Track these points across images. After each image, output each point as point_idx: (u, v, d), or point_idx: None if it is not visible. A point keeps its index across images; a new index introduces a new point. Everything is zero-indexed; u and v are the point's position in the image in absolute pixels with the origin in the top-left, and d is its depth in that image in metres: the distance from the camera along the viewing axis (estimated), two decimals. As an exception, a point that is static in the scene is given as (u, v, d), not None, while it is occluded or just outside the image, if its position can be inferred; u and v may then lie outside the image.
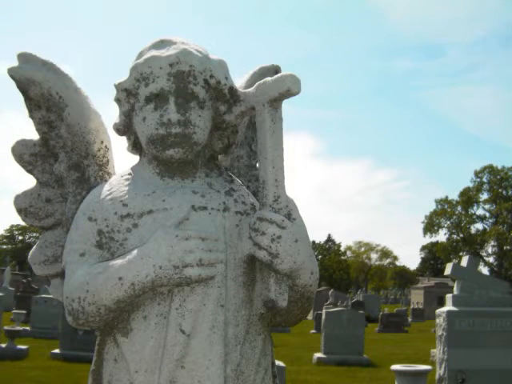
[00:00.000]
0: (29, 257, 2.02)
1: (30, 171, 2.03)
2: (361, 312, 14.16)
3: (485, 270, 47.46)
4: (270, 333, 1.83)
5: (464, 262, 8.13)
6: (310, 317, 21.24)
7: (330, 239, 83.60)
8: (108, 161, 1.96)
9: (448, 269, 7.91)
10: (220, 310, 1.65)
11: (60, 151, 1.96)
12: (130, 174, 1.83)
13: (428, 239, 78.17)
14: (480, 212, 50.77)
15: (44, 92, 1.91)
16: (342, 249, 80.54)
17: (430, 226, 50.24)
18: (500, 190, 48.90)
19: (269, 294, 1.65)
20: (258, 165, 1.82)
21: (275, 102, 1.66)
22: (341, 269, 71.19)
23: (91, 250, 1.73)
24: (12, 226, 67.94)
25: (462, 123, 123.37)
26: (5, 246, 68.26)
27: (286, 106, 1.70)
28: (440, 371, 7.27)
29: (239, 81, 2.03)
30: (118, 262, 1.65)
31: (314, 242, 74.62)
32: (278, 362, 5.17)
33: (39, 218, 2.01)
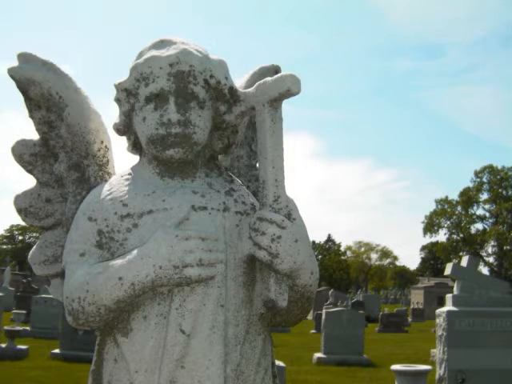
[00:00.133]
0: (29, 257, 2.02)
1: (30, 171, 2.03)
2: (361, 312, 14.16)
3: (485, 270, 47.52)
4: (270, 333, 1.83)
5: (464, 261, 8.13)
6: (310, 317, 21.24)
7: (329, 239, 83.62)
8: (108, 161, 1.96)
9: (448, 269, 7.91)
10: (220, 310, 1.65)
11: (60, 151, 1.96)
12: (130, 174, 1.83)
13: (428, 239, 78.29)
14: (480, 212, 50.84)
15: (44, 92, 1.91)
16: (342, 249, 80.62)
17: (430, 226, 50.24)
18: (500, 190, 48.90)
19: (269, 294, 1.65)
20: (258, 165, 1.82)
21: (275, 102, 1.66)
22: (341, 269, 71.20)
23: (91, 250, 1.73)
24: (12, 226, 67.99)
25: (462, 123, 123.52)
26: (5, 246, 68.27)
27: (286, 106, 1.70)
28: (440, 371, 7.27)
29: (239, 81, 2.03)
30: (118, 261, 1.65)
31: (314, 242, 74.62)
32: (278, 362, 5.17)
33: (39, 217, 2.01)
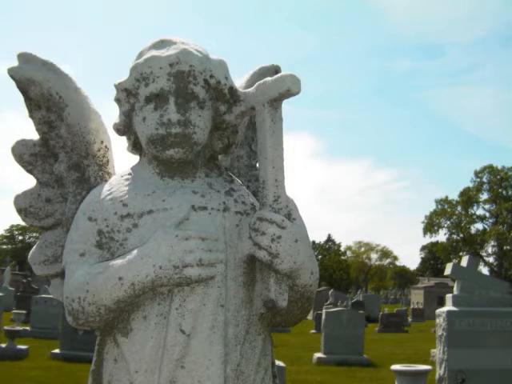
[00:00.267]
0: (29, 257, 2.02)
1: (30, 171, 2.02)
2: (361, 312, 14.16)
3: (485, 270, 47.52)
4: (270, 333, 1.83)
5: (464, 261, 8.13)
6: (310, 317, 21.24)
7: (329, 239, 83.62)
8: (108, 161, 1.96)
9: (448, 269, 7.91)
10: (220, 310, 1.65)
11: (60, 151, 1.96)
12: (130, 174, 1.83)
13: (428, 239, 78.28)
14: (480, 212, 50.85)
15: (44, 92, 1.91)
16: (342, 249, 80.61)
17: (430, 226, 50.24)
18: (500, 190, 48.90)
19: (269, 294, 1.65)
20: (258, 165, 1.82)
21: (275, 102, 1.66)
22: (341, 269, 71.19)
23: (91, 249, 1.73)
24: (12, 226, 67.99)
25: (462, 123, 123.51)
26: (5, 246, 68.26)
27: (286, 106, 1.70)
28: (440, 371, 7.27)
29: (239, 81, 2.03)
30: (118, 261, 1.65)
31: (314, 242, 74.61)
32: (278, 362, 5.17)
33: (39, 218, 2.01)
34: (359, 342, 12.28)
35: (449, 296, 7.70)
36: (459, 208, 50.25)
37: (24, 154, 2.01)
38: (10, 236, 69.38)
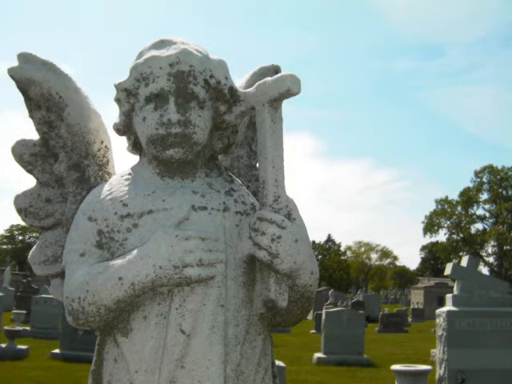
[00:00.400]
0: (29, 257, 2.02)
1: (30, 171, 2.02)
2: (361, 312, 14.16)
3: (485, 270, 47.52)
4: (270, 333, 1.83)
5: (464, 262, 8.13)
6: (310, 317, 21.24)
7: (329, 239, 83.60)
8: (108, 161, 1.96)
9: (448, 269, 7.91)
10: (220, 310, 1.65)
11: (60, 151, 1.96)
12: (130, 174, 1.83)
13: (428, 239, 78.27)
14: (480, 212, 50.85)
15: (44, 92, 1.91)
16: (342, 249, 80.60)
17: (430, 226, 50.24)
18: (500, 190, 48.90)
19: (269, 294, 1.65)
20: (258, 165, 1.82)
21: (275, 102, 1.65)
22: (341, 269, 71.18)
23: (91, 250, 1.73)
24: (12, 226, 67.97)
25: (462, 123, 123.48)
26: (5, 246, 68.26)
27: (286, 106, 1.70)
28: (440, 371, 7.27)
29: (239, 81, 2.03)
30: (118, 262, 1.65)
31: (314, 242, 74.59)
32: (278, 362, 5.17)
33: (39, 218, 2.01)
34: (359, 342, 12.28)
35: (449, 296, 7.70)
36: (459, 208, 50.25)
37: (24, 154, 2.01)
38: (10, 236, 69.38)
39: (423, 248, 77.14)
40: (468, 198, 49.22)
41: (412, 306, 37.33)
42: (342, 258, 77.06)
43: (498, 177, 48.89)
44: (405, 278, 78.71)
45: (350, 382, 9.92)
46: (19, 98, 1.96)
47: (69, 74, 1.94)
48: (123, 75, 1.79)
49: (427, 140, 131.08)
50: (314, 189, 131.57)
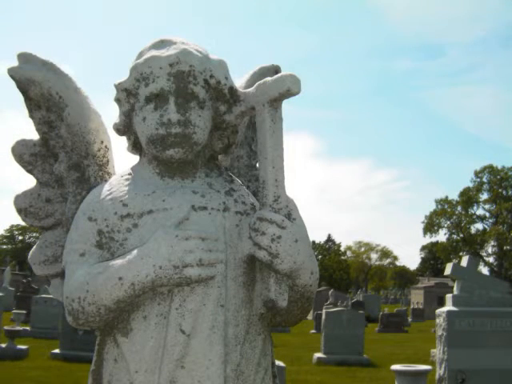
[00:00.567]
0: (29, 257, 2.02)
1: (30, 171, 2.02)
2: (361, 312, 14.16)
3: (485, 270, 47.52)
4: (270, 333, 1.83)
5: (464, 262, 8.13)
6: (310, 317, 21.24)
7: (329, 239, 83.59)
8: (108, 161, 1.96)
9: (448, 269, 7.91)
10: (220, 310, 1.65)
11: (60, 151, 1.96)
12: (130, 174, 1.83)
13: (428, 239, 78.26)
14: (480, 212, 50.84)
15: (44, 92, 1.91)
16: (342, 249, 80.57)
17: (430, 226, 50.24)
18: (500, 190, 48.90)
19: (269, 293, 1.65)
20: (258, 165, 1.82)
21: (275, 102, 1.65)
22: (341, 269, 71.15)
23: (91, 249, 1.73)
24: (12, 226, 67.97)
25: (462, 123, 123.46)
26: (5, 246, 68.25)
27: (286, 106, 1.70)
28: (440, 371, 7.27)
29: (239, 81, 2.03)
30: (118, 261, 1.65)
31: (314, 242, 74.58)
32: (278, 362, 5.17)
33: (39, 218, 2.01)
34: (359, 342, 12.28)
35: (449, 296, 7.70)
36: (459, 208, 50.25)
37: (24, 154, 2.01)
38: (10, 236, 69.37)
39: (423, 248, 77.17)
40: (468, 197, 49.22)
41: (412, 306, 37.32)
42: (342, 257, 77.04)
43: (498, 177, 48.89)
44: (405, 277, 78.71)
45: (350, 381, 9.92)
46: (19, 97, 1.96)
47: (69, 74, 1.94)
48: (123, 75, 1.79)
49: (427, 140, 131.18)
50: (314, 189, 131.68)
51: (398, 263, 79.63)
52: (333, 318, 12.33)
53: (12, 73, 1.92)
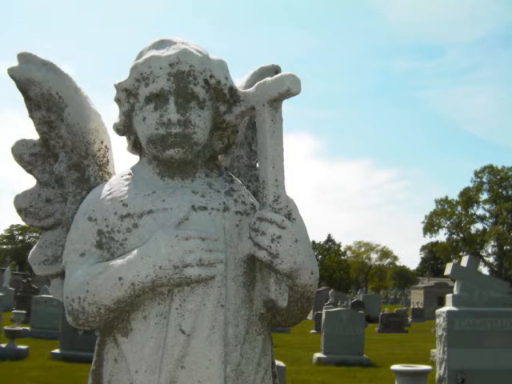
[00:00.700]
0: (29, 257, 2.02)
1: (30, 171, 2.02)
2: (361, 312, 14.15)
3: (485, 270, 47.55)
4: (270, 333, 1.83)
5: (464, 262, 8.13)
6: (310, 317, 21.24)
7: (329, 239, 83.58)
8: (108, 161, 1.96)
9: (448, 269, 7.91)
10: (220, 310, 1.65)
11: (60, 151, 1.96)
12: (130, 174, 1.83)
13: (428, 239, 78.43)
14: (480, 212, 50.87)
15: (44, 92, 1.90)
16: (342, 249, 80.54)
17: (430, 226, 50.25)
18: (500, 190, 48.91)
19: (269, 293, 1.65)
20: (258, 165, 1.82)
21: (275, 102, 1.65)
22: (341, 269, 71.13)
23: (91, 250, 1.73)
24: (12, 226, 67.95)
25: (462, 123, 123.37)
26: (5, 246, 68.24)
27: (286, 106, 1.70)
28: (440, 371, 7.27)
29: (239, 81, 2.03)
30: (117, 261, 1.65)
31: (314, 242, 74.56)
32: (278, 362, 5.17)
33: (39, 218, 2.01)
34: (359, 342, 12.28)
35: (449, 296, 7.71)
36: (459, 208, 50.27)
37: (24, 154, 2.01)
38: (10, 236, 69.36)
39: (423, 248, 77.20)
40: (468, 198, 49.24)
41: (412, 306, 37.32)
42: (342, 258, 77.01)
43: (498, 177, 48.91)
44: (405, 277, 78.74)
45: (350, 381, 9.92)
46: (19, 97, 1.96)
47: (69, 73, 1.94)
48: (123, 75, 1.79)
49: (427, 140, 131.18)
50: (313, 189, 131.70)
51: (398, 263, 79.74)
52: (333, 318, 12.33)
53: (12, 73, 1.92)
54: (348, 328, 12.24)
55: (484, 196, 50.17)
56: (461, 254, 46.10)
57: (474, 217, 50.65)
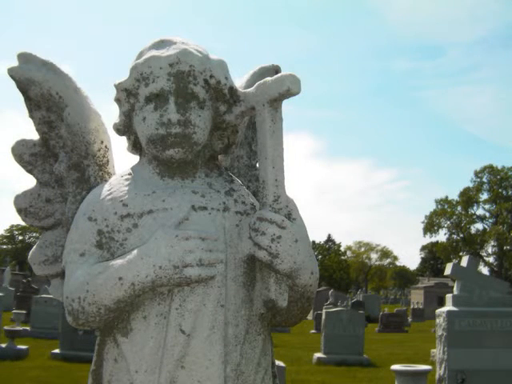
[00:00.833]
0: (29, 257, 2.02)
1: (30, 171, 2.02)
2: (361, 312, 14.15)
3: (485, 270, 47.55)
4: (270, 333, 1.83)
5: (464, 262, 8.13)
6: (310, 317, 21.24)
7: (330, 239, 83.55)
8: (108, 161, 1.96)
9: (448, 269, 7.91)
10: (220, 310, 1.65)
11: (60, 151, 1.96)
12: (130, 174, 1.83)
13: (428, 239, 78.43)
14: (480, 212, 50.86)
15: (44, 92, 1.90)
16: (342, 249, 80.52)
17: (430, 226, 50.25)
18: (500, 190, 48.91)
19: (269, 293, 1.65)
20: (258, 165, 1.82)
21: (275, 102, 1.65)
22: (341, 269, 71.10)
23: (91, 250, 1.73)
24: (12, 226, 67.96)
25: (462, 123, 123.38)
26: (5, 246, 68.24)
27: (286, 106, 1.70)
28: (440, 371, 7.27)
29: (239, 81, 2.03)
30: (117, 261, 1.65)
31: (314, 242, 74.54)
32: (278, 362, 5.17)
33: (39, 218, 2.01)
34: (359, 342, 12.28)
35: (449, 296, 7.71)
36: (459, 208, 50.26)
37: (24, 154, 2.01)
38: (10, 236, 69.36)
39: (423, 248, 77.22)
40: (468, 198, 49.23)
41: (412, 306, 37.32)
42: (342, 257, 76.98)
43: (498, 177, 48.90)
44: (405, 278, 78.75)
45: (350, 381, 9.92)
46: (19, 98, 1.96)
47: (69, 74, 1.94)
48: (123, 75, 1.79)
49: (427, 140, 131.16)
50: (313, 189, 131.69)
51: (398, 263, 79.74)
52: (333, 318, 12.33)
53: (12, 73, 1.92)
54: (348, 328, 12.24)
55: (484, 196, 50.24)
56: (461, 253, 46.10)
57: (474, 217, 50.65)
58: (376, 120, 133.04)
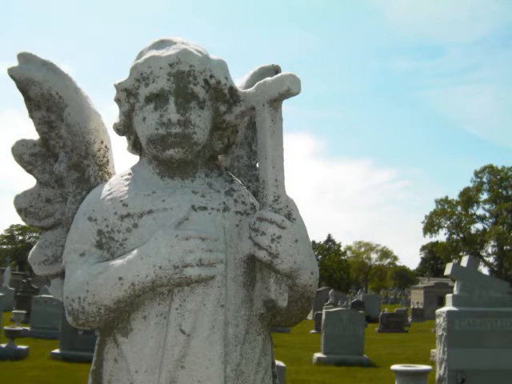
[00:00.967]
0: (29, 257, 2.02)
1: (30, 171, 2.02)
2: (361, 312, 14.16)
3: (485, 270, 47.55)
4: (270, 333, 1.83)
5: (464, 262, 8.13)
6: (310, 317, 21.24)
7: (330, 239, 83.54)
8: (108, 161, 1.96)
9: (448, 269, 7.91)
10: (220, 310, 1.65)
11: (60, 151, 1.96)
12: (130, 174, 1.83)
13: (428, 239, 78.44)
14: (480, 212, 50.87)
15: (44, 92, 1.90)
16: (342, 249, 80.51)
17: (430, 226, 50.25)
18: (500, 190, 48.91)
19: (269, 293, 1.65)
20: (258, 165, 1.82)
21: (275, 102, 1.65)
22: (341, 269, 71.09)
23: (91, 250, 1.73)
24: (12, 226, 67.96)
25: (462, 123, 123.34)
26: (5, 246, 68.24)
27: (286, 106, 1.70)
28: (440, 371, 7.27)
29: (239, 81, 2.03)
30: (117, 261, 1.65)
31: (314, 242, 74.53)
32: (278, 362, 5.17)
33: (39, 218, 2.01)
34: (359, 342, 12.28)
35: (449, 296, 7.71)
36: (459, 208, 50.27)
37: (24, 154, 2.01)
38: (10, 236, 69.36)
39: (423, 248, 77.22)
40: (468, 198, 49.24)
41: (412, 306, 37.33)
42: (342, 257, 76.97)
43: (498, 177, 48.90)
44: (405, 278, 78.75)
45: (350, 381, 9.92)
46: (19, 97, 1.96)
47: (69, 74, 1.94)
48: (123, 75, 1.79)
49: (427, 140, 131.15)
50: (313, 189, 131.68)
51: (398, 263, 79.74)
52: (333, 318, 12.33)
53: (12, 73, 1.92)
54: (348, 328, 12.25)
55: (484, 196, 50.24)
56: (461, 254, 46.10)
57: (474, 217, 50.66)
58: (376, 120, 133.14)
